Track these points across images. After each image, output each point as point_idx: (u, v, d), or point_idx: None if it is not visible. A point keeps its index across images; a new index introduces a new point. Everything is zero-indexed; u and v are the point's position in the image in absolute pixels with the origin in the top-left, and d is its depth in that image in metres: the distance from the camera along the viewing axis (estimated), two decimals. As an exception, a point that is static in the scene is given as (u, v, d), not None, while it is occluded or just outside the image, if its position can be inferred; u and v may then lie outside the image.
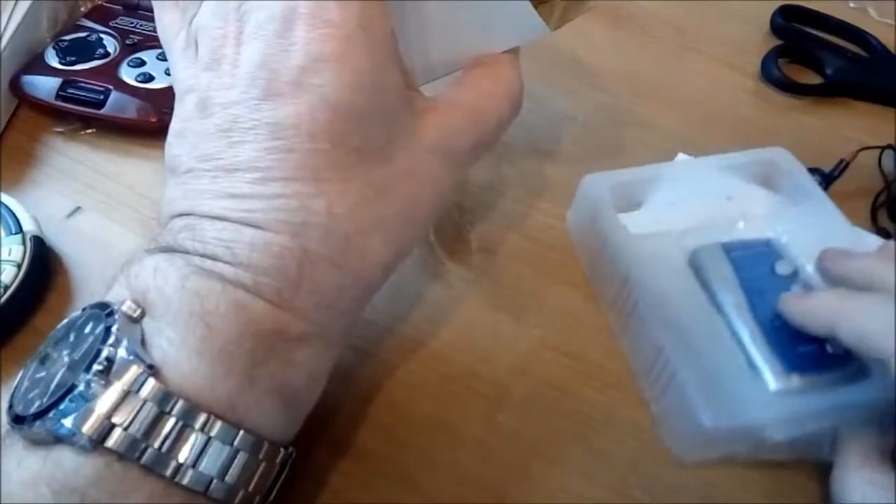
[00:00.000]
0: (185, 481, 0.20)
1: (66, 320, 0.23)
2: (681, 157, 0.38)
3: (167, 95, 0.37)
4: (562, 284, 0.34)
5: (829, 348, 0.27)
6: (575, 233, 0.35)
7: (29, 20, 0.40)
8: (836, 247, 0.29)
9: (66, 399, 0.20)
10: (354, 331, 0.31)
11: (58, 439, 0.20)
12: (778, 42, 0.45)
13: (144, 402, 0.20)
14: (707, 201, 0.33)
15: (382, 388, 0.31)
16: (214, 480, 0.21)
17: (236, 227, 0.22)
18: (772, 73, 0.43)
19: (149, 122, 0.37)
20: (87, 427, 0.19)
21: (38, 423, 0.20)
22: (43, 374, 0.21)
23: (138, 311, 0.21)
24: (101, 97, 0.38)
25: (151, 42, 0.40)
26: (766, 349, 0.28)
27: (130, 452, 0.20)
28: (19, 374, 0.22)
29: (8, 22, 0.39)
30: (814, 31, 0.46)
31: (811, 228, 0.31)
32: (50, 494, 0.19)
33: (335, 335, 0.24)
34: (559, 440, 0.29)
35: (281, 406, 0.23)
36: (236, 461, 0.21)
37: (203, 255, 0.22)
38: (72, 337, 0.22)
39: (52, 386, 0.21)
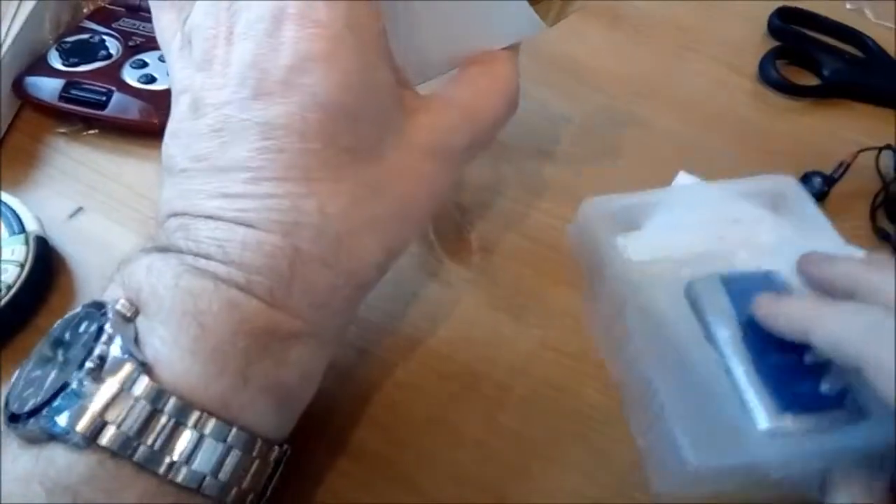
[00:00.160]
0: (179, 479, 0.20)
1: (61, 319, 0.23)
2: (682, 176, 0.37)
3: (169, 97, 0.37)
4: (562, 284, 0.34)
5: (823, 387, 0.26)
6: (574, 251, 0.35)
7: (32, 22, 0.40)
8: (819, 251, 0.29)
9: (59, 397, 0.20)
10: (352, 330, 0.31)
11: (51, 437, 0.20)
12: (775, 43, 0.45)
13: (137, 399, 0.20)
14: (710, 227, 0.32)
15: (382, 387, 0.31)
16: (207, 478, 0.21)
17: (229, 226, 0.22)
18: (769, 75, 0.43)
19: (151, 124, 0.37)
20: (80, 425, 0.20)
21: (31, 420, 0.20)
22: (38, 372, 0.22)
23: (132, 310, 0.21)
24: (104, 98, 0.38)
25: (154, 44, 0.40)
26: (758, 387, 0.26)
27: (123, 450, 0.20)
28: (15, 373, 0.22)
29: (11, 23, 0.39)
30: (811, 33, 0.46)
31: None
32: (43, 492, 0.19)
33: (329, 334, 0.24)
34: (559, 440, 0.29)
35: (274, 404, 0.23)
36: (229, 459, 0.21)
37: (196, 255, 0.22)
38: (67, 336, 0.22)
39: (46, 384, 0.21)
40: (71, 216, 0.36)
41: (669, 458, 0.26)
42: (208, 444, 0.21)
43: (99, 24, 0.42)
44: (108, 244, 0.35)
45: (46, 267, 0.33)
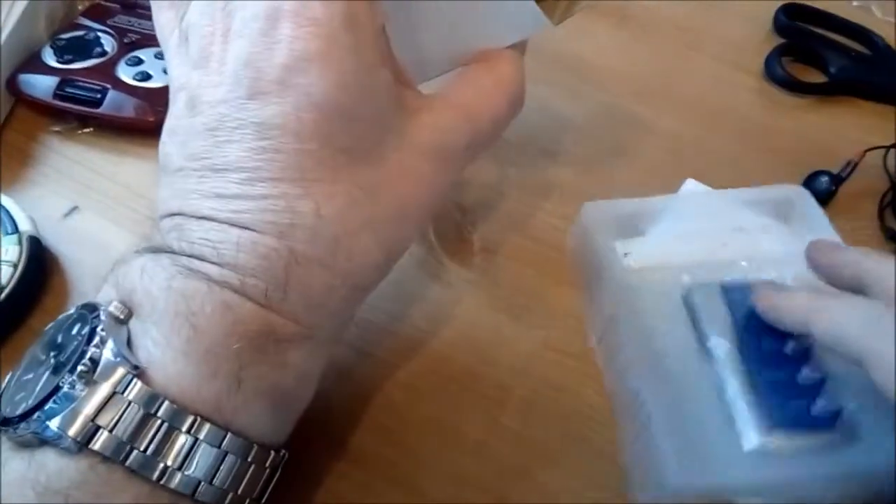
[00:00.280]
0: (172, 484, 0.20)
1: (54, 321, 0.23)
2: (689, 183, 0.36)
3: (165, 94, 0.36)
4: (563, 285, 0.33)
5: (814, 409, 0.25)
6: (572, 257, 0.34)
7: (26, 19, 0.40)
8: (827, 239, 0.28)
9: (51, 400, 0.20)
10: (352, 331, 0.31)
11: (43, 441, 0.20)
12: (781, 41, 0.45)
13: (130, 403, 0.20)
14: (714, 235, 0.32)
15: (382, 388, 0.30)
16: (202, 483, 0.21)
17: (223, 227, 0.22)
18: (775, 72, 0.43)
19: (146, 121, 0.37)
20: (71, 429, 0.19)
21: (23, 424, 0.20)
22: (30, 375, 0.21)
23: (125, 312, 0.21)
24: (99, 96, 0.37)
25: (149, 41, 0.40)
26: (749, 404, 0.26)
27: (115, 455, 0.19)
28: (7, 376, 0.22)
29: (5, 20, 0.39)
30: (817, 30, 0.45)
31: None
32: (34, 496, 0.19)
33: (326, 336, 0.24)
34: (560, 441, 0.29)
35: (270, 408, 0.22)
36: (224, 464, 0.21)
37: (190, 256, 0.22)
38: (59, 338, 0.22)
39: (38, 387, 0.20)
40: (65, 215, 0.35)
41: (652, 473, 0.26)
42: (203, 449, 0.21)
43: (94, 20, 0.41)
44: (103, 244, 0.34)
45: (40, 267, 0.33)
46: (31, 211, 0.34)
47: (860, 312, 0.23)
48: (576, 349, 0.31)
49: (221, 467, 0.21)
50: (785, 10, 0.46)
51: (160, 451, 0.20)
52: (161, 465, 0.20)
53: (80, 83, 0.38)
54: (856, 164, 0.37)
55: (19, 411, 0.20)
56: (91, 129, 0.39)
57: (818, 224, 0.31)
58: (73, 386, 0.20)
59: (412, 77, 0.27)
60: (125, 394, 0.20)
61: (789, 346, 0.27)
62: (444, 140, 0.25)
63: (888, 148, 0.38)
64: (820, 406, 0.26)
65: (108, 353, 0.20)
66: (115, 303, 0.21)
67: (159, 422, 0.20)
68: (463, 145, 0.26)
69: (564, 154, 0.39)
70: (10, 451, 0.20)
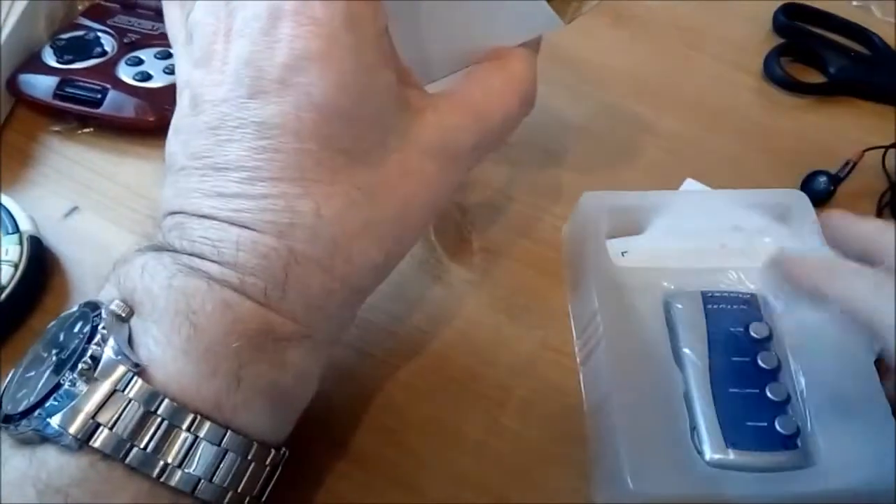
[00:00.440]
0: (172, 482, 0.20)
1: (56, 319, 0.23)
2: (689, 183, 0.37)
3: (165, 94, 0.37)
4: (563, 285, 0.33)
5: (778, 426, 0.26)
6: (566, 247, 0.34)
7: (26, 18, 0.40)
8: (843, 211, 0.28)
9: (52, 398, 0.20)
10: (353, 331, 0.31)
11: (44, 439, 0.20)
12: (781, 41, 0.45)
13: (130, 401, 0.20)
14: (712, 235, 0.32)
15: (382, 388, 0.30)
16: (202, 481, 0.21)
17: (223, 226, 0.22)
18: (774, 72, 0.43)
19: (146, 121, 0.37)
20: (72, 426, 0.19)
21: (24, 421, 0.20)
22: (32, 373, 0.21)
23: (126, 311, 0.21)
24: (99, 96, 0.37)
25: (149, 41, 0.40)
26: (713, 416, 0.26)
27: (115, 452, 0.20)
28: (10, 374, 0.22)
29: (5, 20, 0.39)
30: (817, 30, 0.45)
31: None
32: (34, 494, 0.19)
33: (325, 336, 0.24)
34: (560, 441, 0.29)
35: (270, 406, 0.22)
36: (224, 462, 0.21)
37: (191, 254, 0.22)
38: (61, 336, 0.22)
39: (39, 385, 0.21)
40: (66, 215, 0.35)
41: (612, 476, 0.26)
42: (202, 447, 0.21)
43: (94, 20, 0.41)
44: (104, 244, 0.34)
45: (40, 267, 0.33)
46: (31, 211, 0.33)
47: (867, 280, 0.23)
48: (575, 349, 0.31)
49: (221, 465, 0.21)
50: (784, 10, 0.46)
51: (160, 448, 0.20)
52: (161, 462, 0.20)
53: (80, 83, 0.38)
54: (854, 164, 0.37)
55: (21, 409, 0.20)
56: (91, 129, 0.38)
57: (811, 231, 0.31)
58: (73, 384, 0.20)
59: (421, 76, 0.26)
60: (126, 391, 0.20)
61: (758, 363, 0.27)
62: (449, 140, 0.25)
63: (887, 148, 0.38)
64: (781, 425, 0.26)
65: (108, 352, 0.20)
66: (116, 301, 0.21)
67: (159, 419, 0.20)
68: (470, 145, 0.26)
69: (564, 154, 0.39)
70: (11, 448, 0.20)
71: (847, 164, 0.37)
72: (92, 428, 0.19)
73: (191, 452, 0.20)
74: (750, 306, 0.29)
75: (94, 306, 0.22)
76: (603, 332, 0.28)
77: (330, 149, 0.22)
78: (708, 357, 0.28)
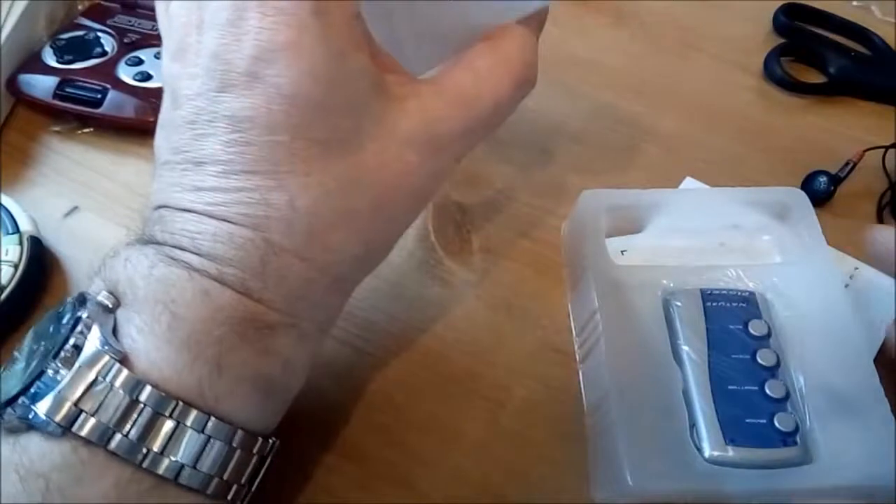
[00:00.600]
0: (154, 468, 0.20)
1: (47, 313, 0.23)
2: (688, 181, 0.36)
3: (165, 94, 0.37)
4: (563, 285, 0.33)
5: (777, 423, 0.26)
6: (565, 246, 0.34)
7: (26, 18, 0.40)
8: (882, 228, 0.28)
9: (35, 385, 0.20)
10: (351, 330, 0.31)
11: (30, 427, 0.20)
12: (781, 40, 0.45)
13: (113, 389, 0.20)
14: (711, 233, 0.32)
15: (381, 388, 0.30)
16: (185, 468, 0.21)
17: (202, 218, 0.22)
18: (774, 72, 0.43)
19: (146, 121, 0.37)
20: (54, 412, 0.20)
21: (9, 410, 0.20)
22: (22, 364, 0.22)
23: (112, 301, 0.21)
24: (99, 96, 0.37)
25: (149, 41, 0.40)
26: (712, 413, 0.26)
27: (98, 438, 0.20)
28: (2, 367, 0.22)
29: (5, 20, 0.39)
30: (817, 30, 0.45)
31: (803, 289, 0.30)
32: (17, 480, 0.19)
33: (311, 326, 0.24)
34: (560, 441, 0.29)
35: (255, 395, 0.22)
36: (208, 449, 0.21)
37: (172, 246, 0.22)
38: (50, 329, 0.22)
39: (25, 374, 0.21)
40: (66, 215, 0.35)
41: (611, 473, 0.26)
42: (185, 433, 0.21)
43: (94, 20, 0.41)
44: (104, 243, 0.33)
45: (41, 267, 0.33)
46: (31, 211, 0.34)
47: None
48: (575, 349, 0.31)
49: (205, 452, 0.21)
50: (784, 9, 0.46)
51: (142, 435, 0.20)
52: (143, 449, 0.20)
53: (80, 83, 0.38)
54: (854, 164, 0.37)
55: (5, 397, 0.21)
56: (91, 129, 0.39)
57: (809, 231, 0.31)
58: (56, 371, 0.20)
59: (413, 67, 0.25)
60: (108, 379, 0.20)
61: (757, 361, 0.27)
62: (432, 129, 0.24)
63: (887, 148, 0.38)
64: (780, 422, 0.26)
65: (93, 340, 0.20)
66: (104, 292, 0.21)
67: (141, 406, 0.20)
68: (457, 132, 0.25)
69: (564, 154, 0.39)
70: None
71: (847, 164, 0.37)
72: (74, 414, 0.20)
73: (173, 439, 0.21)
74: (749, 304, 0.29)
75: (82, 298, 0.22)
76: (602, 330, 0.28)
77: (303, 139, 0.22)
78: (707, 354, 0.28)
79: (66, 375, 0.20)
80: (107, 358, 0.20)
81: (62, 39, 0.40)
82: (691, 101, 0.41)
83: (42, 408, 0.20)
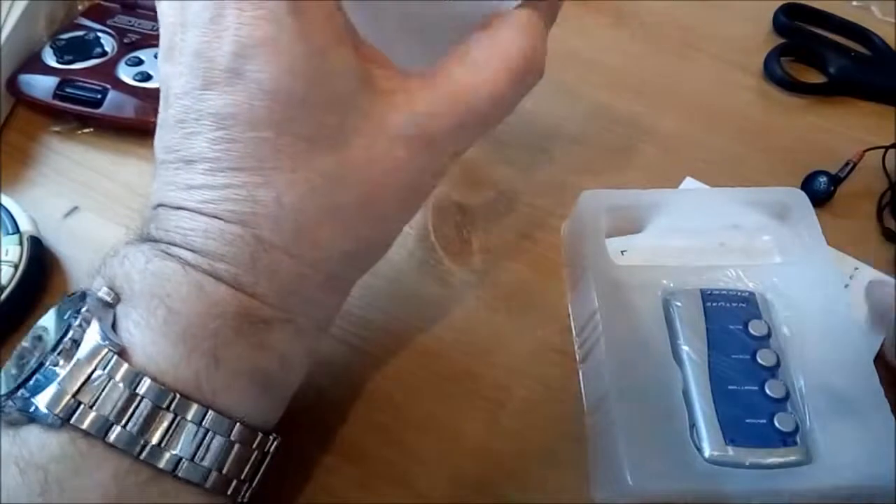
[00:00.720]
0: (152, 460, 0.20)
1: (50, 310, 0.23)
2: (688, 181, 0.37)
3: (165, 94, 0.37)
4: (563, 285, 0.33)
5: (777, 423, 0.26)
6: (566, 246, 0.34)
7: (26, 19, 0.40)
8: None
9: (34, 378, 0.20)
10: (350, 329, 0.31)
11: (31, 420, 0.20)
12: (781, 40, 0.45)
13: (111, 381, 0.20)
14: (711, 233, 0.32)
15: (380, 387, 0.30)
16: (183, 461, 0.21)
17: (192, 215, 0.22)
18: (774, 72, 0.43)
19: (146, 122, 0.37)
20: (53, 405, 0.20)
21: (9, 403, 0.20)
22: (24, 359, 0.22)
23: (112, 296, 0.22)
24: (99, 96, 0.37)
25: (149, 41, 0.40)
26: (711, 413, 0.26)
27: (97, 431, 0.20)
28: (6, 363, 0.23)
29: (5, 20, 0.39)
30: (817, 30, 0.45)
31: (803, 289, 0.30)
32: (17, 472, 0.20)
33: (306, 322, 0.24)
34: (560, 441, 0.29)
35: (252, 389, 0.22)
36: (206, 442, 0.21)
37: (167, 243, 0.22)
38: (52, 323, 0.22)
39: (26, 368, 0.21)
40: (66, 216, 0.35)
41: (611, 472, 0.26)
42: (183, 426, 0.21)
43: (94, 21, 0.41)
44: (104, 244, 0.33)
45: (41, 267, 0.33)
46: (31, 211, 0.34)
47: None
48: (575, 349, 0.31)
49: (203, 445, 0.21)
50: (785, 9, 0.46)
51: (140, 427, 0.20)
52: (141, 441, 0.20)
53: (80, 83, 0.38)
54: (854, 165, 0.37)
55: (5, 390, 0.21)
56: (91, 129, 0.39)
57: (809, 231, 0.31)
58: (55, 364, 0.20)
59: (407, 63, 0.25)
60: (107, 372, 0.20)
61: (757, 361, 0.27)
62: (421, 124, 0.23)
63: (887, 148, 0.38)
64: (780, 422, 0.26)
65: (92, 334, 0.21)
66: (104, 288, 0.22)
67: (139, 399, 0.20)
68: (449, 128, 0.24)
69: (564, 154, 0.39)
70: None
71: (847, 164, 0.37)
72: (73, 406, 0.20)
73: (171, 432, 0.21)
74: (749, 304, 0.29)
75: (83, 295, 0.22)
76: (602, 330, 0.28)
77: (288, 135, 0.22)
78: (707, 354, 0.28)
79: (65, 368, 0.20)
80: (105, 351, 0.20)
81: (62, 39, 0.40)
82: (691, 101, 0.41)
83: (41, 400, 0.20)
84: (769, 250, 0.32)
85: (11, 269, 0.31)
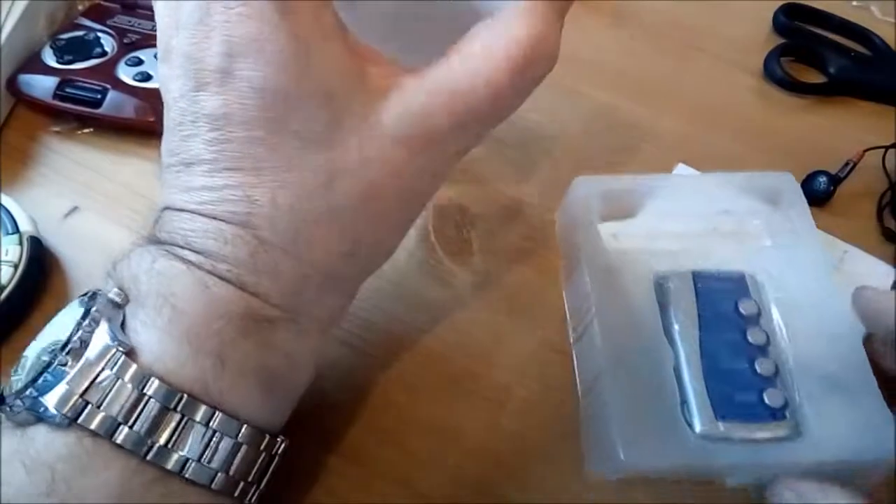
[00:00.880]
0: (159, 461, 0.20)
1: (62, 310, 0.23)
2: (681, 167, 0.37)
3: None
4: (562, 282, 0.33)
5: (766, 399, 0.26)
6: (559, 233, 0.34)
7: (26, 19, 0.40)
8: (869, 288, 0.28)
9: (42, 377, 0.20)
10: (351, 330, 0.31)
11: (39, 419, 0.20)
12: (781, 41, 0.45)
13: (119, 381, 0.20)
14: (703, 218, 0.32)
15: (382, 388, 0.30)
16: (190, 462, 0.21)
17: (193, 217, 0.22)
18: (774, 72, 0.43)
19: (146, 122, 0.37)
20: (60, 404, 0.20)
21: (18, 402, 0.20)
22: (34, 359, 0.22)
23: (122, 297, 0.22)
24: (99, 96, 0.37)
25: (149, 41, 0.40)
26: (702, 390, 0.27)
27: (104, 431, 0.20)
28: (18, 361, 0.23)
29: (5, 20, 0.39)
30: (817, 30, 0.45)
31: (793, 271, 0.30)
32: (23, 470, 0.20)
33: (310, 322, 0.24)
34: (560, 441, 0.29)
35: (260, 389, 0.22)
36: (213, 443, 0.21)
37: (171, 245, 0.22)
38: (60, 324, 0.22)
39: (33, 366, 0.21)
40: (66, 216, 0.35)
41: (604, 449, 0.26)
42: (191, 427, 0.21)
43: (94, 21, 0.41)
44: (104, 244, 0.34)
45: (40, 268, 0.33)
46: (31, 211, 0.34)
47: None
48: (569, 332, 0.31)
49: (211, 446, 0.21)
50: (785, 10, 0.46)
51: (148, 428, 0.20)
52: (149, 441, 0.20)
53: (80, 83, 0.38)
54: (854, 164, 0.37)
55: (14, 389, 0.21)
56: (91, 129, 0.38)
57: (800, 216, 0.31)
58: (64, 363, 0.20)
59: (414, 60, 0.24)
60: (114, 372, 0.20)
61: (747, 339, 0.28)
62: (416, 123, 0.23)
63: (887, 148, 0.38)
64: (769, 398, 0.27)
65: (101, 334, 0.21)
66: (114, 289, 0.22)
67: (146, 399, 0.20)
68: (447, 126, 0.23)
69: (564, 154, 0.39)
70: (7, 430, 0.21)
71: (847, 164, 0.37)
72: (81, 406, 0.20)
73: (178, 432, 0.21)
74: (739, 285, 0.30)
75: (93, 295, 0.22)
76: (595, 311, 0.28)
77: (280, 133, 0.22)
78: (698, 334, 0.28)
79: (74, 367, 0.20)
80: (114, 351, 0.20)
81: (62, 39, 0.40)
82: (691, 102, 0.41)
83: (49, 399, 0.20)
84: (760, 234, 0.33)
85: (11, 269, 0.31)
